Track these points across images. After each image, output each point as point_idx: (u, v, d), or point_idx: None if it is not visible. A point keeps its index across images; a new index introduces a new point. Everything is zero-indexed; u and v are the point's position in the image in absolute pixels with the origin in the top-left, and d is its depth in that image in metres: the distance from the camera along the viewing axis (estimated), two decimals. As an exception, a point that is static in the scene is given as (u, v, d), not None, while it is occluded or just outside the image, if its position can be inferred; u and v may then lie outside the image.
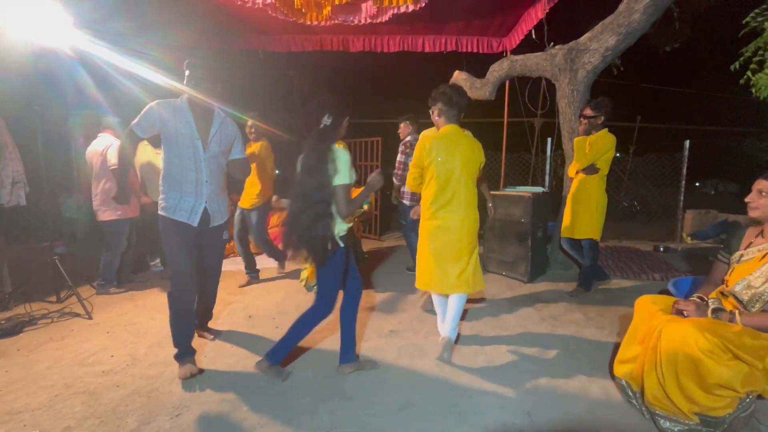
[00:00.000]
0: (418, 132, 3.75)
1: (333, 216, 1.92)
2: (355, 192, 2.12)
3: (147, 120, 2.09)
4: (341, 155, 1.91)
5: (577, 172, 3.34)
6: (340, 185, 1.90)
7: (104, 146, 3.52)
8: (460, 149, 2.33)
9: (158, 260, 4.39)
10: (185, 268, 2.17)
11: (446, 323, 2.40)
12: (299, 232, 1.91)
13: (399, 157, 3.80)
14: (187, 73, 2.13)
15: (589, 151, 3.17)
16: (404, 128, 3.96)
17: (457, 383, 2.09)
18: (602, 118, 3.19)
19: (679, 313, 1.72)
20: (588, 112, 3.22)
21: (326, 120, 1.92)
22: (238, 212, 3.77)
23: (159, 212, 2.15)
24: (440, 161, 2.31)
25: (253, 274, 3.91)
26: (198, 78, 2.11)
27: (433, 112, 2.43)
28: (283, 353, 2.10)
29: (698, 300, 1.79)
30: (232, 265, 4.33)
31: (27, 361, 2.36)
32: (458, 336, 2.64)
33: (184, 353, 2.21)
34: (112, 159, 3.41)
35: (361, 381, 2.12)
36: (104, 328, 2.84)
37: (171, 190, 2.13)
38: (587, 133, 3.24)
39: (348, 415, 1.84)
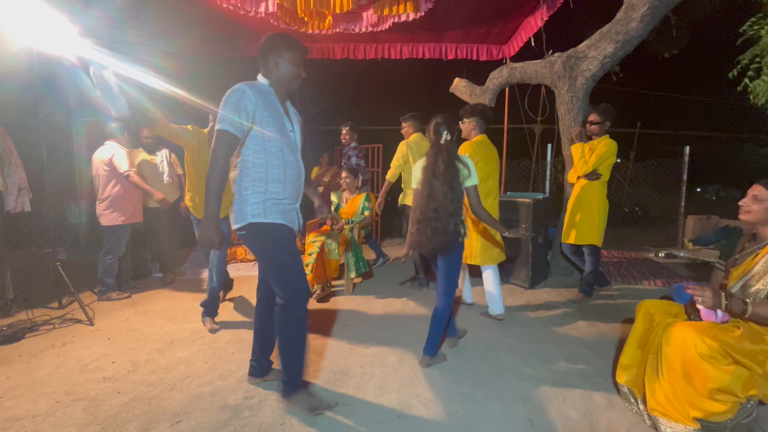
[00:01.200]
0: (359, 139, 4.73)
1: (461, 214, 2.20)
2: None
3: (243, 110, 1.65)
4: (469, 161, 2.22)
5: (578, 178, 3.35)
6: (472, 186, 2.21)
7: (110, 155, 3.56)
8: (493, 152, 2.93)
9: (158, 266, 4.38)
10: (305, 279, 1.88)
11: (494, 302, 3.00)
12: (434, 228, 2.13)
13: (354, 161, 4.60)
14: (273, 50, 1.75)
15: (591, 157, 3.19)
16: (351, 135, 4.67)
17: (458, 390, 2.09)
18: (608, 123, 3.24)
19: (692, 305, 1.74)
20: (595, 117, 3.25)
21: (446, 136, 2.20)
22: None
23: (255, 221, 1.76)
24: (483, 163, 2.83)
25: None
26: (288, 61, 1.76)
27: (465, 123, 2.91)
28: (437, 344, 2.34)
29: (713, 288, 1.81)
30: (234, 272, 4.33)
31: (28, 368, 2.36)
32: (456, 337, 2.65)
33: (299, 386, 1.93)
34: (122, 166, 3.54)
35: (362, 387, 2.12)
36: (105, 334, 2.85)
37: (278, 191, 1.78)
38: (598, 136, 3.27)
39: (348, 422, 1.84)
